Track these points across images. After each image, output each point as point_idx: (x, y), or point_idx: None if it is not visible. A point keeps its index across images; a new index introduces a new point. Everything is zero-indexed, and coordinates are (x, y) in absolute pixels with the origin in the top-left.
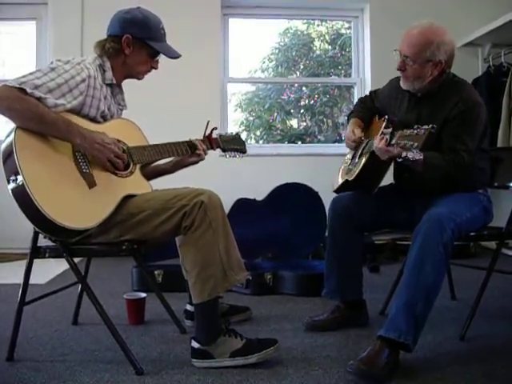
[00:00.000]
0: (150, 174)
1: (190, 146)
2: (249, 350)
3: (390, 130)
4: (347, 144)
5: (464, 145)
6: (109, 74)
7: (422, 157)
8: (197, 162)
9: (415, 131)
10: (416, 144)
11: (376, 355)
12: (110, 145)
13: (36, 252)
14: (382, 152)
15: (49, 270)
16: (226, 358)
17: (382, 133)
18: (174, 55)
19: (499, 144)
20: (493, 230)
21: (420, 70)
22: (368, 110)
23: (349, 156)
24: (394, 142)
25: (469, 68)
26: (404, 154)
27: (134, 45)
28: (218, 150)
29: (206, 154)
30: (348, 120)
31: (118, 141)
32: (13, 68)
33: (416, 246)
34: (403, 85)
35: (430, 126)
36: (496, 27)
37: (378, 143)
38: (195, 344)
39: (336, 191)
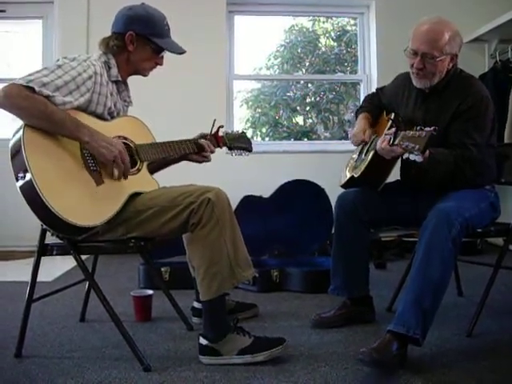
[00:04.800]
0: (157, 166)
1: (198, 146)
2: (257, 348)
3: (393, 129)
4: (353, 140)
5: (473, 139)
6: (114, 71)
7: (423, 159)
8: (201, 162)
9: (417, 133)
10: (418, 146)
11: (386, 346)
12: (118, 146)
13: (43, 249)
14: (386, 152)
15: (56, 267)
16: (234, 355)
17: (386, 134)
18: (178, 51)
19: (506, 140)
20: (500, 226)
21: (441, 65)
22: (375, 107)
23: (356, 153)
24: (396, 142)
25: (475, 64)
26: (406, 156)
27: (138, 41)
28: (224, 148)
29: (213, 152)
30: (356, 116)
31: (125, 138)
32: (19, 66)
33: (424, 240)
34: (418, 83)
35: (432, 127)
36: (503, 23)
37: (380, 144)
38: (203, 341)
39: (343, 186)
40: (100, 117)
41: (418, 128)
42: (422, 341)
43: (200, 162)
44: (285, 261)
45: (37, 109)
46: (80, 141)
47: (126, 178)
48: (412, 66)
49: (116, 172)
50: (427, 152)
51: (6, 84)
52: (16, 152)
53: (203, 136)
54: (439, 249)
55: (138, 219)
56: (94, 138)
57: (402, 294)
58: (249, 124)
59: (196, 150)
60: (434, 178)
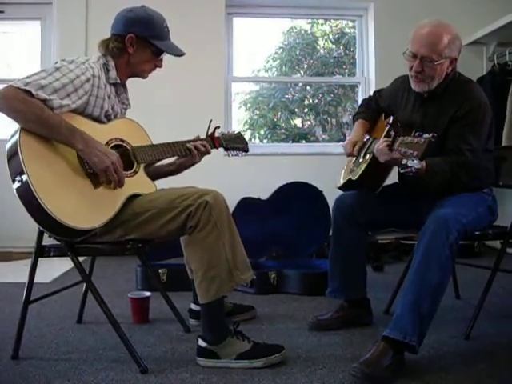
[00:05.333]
0: (153, 176)
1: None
2: (255, 354)
3: (391, 133)
4: (344, 150)
5: (469, 144)
6: (113, 74)
7: (420, 166)
8: (196, 162)
9: (416, 139)
10: (416, 153)
11: (379, 357)
12: (111, 156)
13: (41, 251)
14: (383, 154)
15: (53, 268)
16: (232, 359)
17: (386, 135)
18: (178, 53)
19: (504, 143)
20: (497, 229)
21: (439, 69)
22: (373, 111)
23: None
24: (394, 147)
25: (473, 67)
26: (404, 162)
27: (138, 44)
28: (222, 149)
29: (209, 153)
30: (353, 121)
31: (122, 140)
32: (18, 68)
33: (422, 246)
34: (417, 87)
35: (431, 134)
36: (501, 26)
37: (378, 148)
38: (202, 343)
39: (340, 188)
40: (97, 119)
41: (417, 134)
42: (418, 348)
43: (195, 162)
44: (282, 263)
45: (33, 113)
46: (74, 148)
47: (120, 186)
48: (411, 68)
49: (110, 179)
50: (424, 162)
51: (4, 85)
52: (12, 155)
53: (197, 138)
54: (437, 255)
55: (135, 221)
56: (89, 146)
57: (400, 298)
58: (247, 126)
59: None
60: (431, 186)
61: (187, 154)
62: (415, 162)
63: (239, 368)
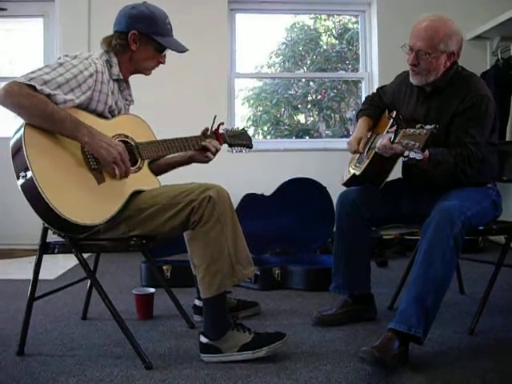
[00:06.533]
0: (163, 167)
1: (202, 146)
2: (257, 344)
3: (394, 128)
4: (348, 148)
5: (472, 138)
6: (115, 70)
7: (422, 157)
8: (206, 162)
9: (418, 131)
10: (418, 144)
11: (388, 344)
12: (117, 147)
13: (45, 248)
14: (386, 150)
15: (57, 265)
16: (235, 352)
17: (387, 132)
18: (181, 49)
19: (508, 138)
20: (502, 224)
21: (435, 62)
22: (377, 107)
23: None
24: (396, 140)
25: (477, 61)
26: (406, 153)
27: (141, 40)
28: (225, 145)
29: (218, 150)
30: (357, 118)
31: (126, 136)
32: (21, 65)
33: (426, 239)
34: (414, 80)
35: (433, 125)
36: (505, 20)
37: (380, 142)
38: (203, 339)
39: (344, 184)
40: (101, 115)
41: (419, 126)
42: (423, 339)
43: (205, 161)
44: (286, 259)
45: (37, 108)
46: (79, 141)
47: (126, 176)
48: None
49: (117, 172)
50: (427, 151)
51: (7, 82)
52: (17, 151)
53: (206, 132)
54: (441, 247)
55: (139, 217)
56: (94, 139)
57: (404, 292)
58: (250, 122)
59: (200, 147)
60: (435, 177)
61: (191, 149)
62: (417, 153)
63: (242, 360)
